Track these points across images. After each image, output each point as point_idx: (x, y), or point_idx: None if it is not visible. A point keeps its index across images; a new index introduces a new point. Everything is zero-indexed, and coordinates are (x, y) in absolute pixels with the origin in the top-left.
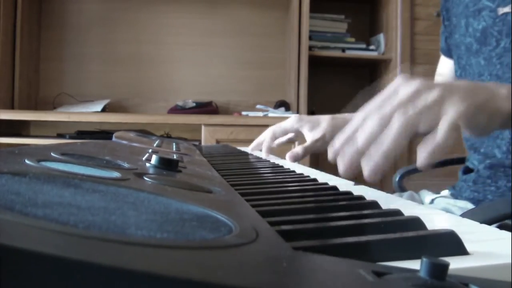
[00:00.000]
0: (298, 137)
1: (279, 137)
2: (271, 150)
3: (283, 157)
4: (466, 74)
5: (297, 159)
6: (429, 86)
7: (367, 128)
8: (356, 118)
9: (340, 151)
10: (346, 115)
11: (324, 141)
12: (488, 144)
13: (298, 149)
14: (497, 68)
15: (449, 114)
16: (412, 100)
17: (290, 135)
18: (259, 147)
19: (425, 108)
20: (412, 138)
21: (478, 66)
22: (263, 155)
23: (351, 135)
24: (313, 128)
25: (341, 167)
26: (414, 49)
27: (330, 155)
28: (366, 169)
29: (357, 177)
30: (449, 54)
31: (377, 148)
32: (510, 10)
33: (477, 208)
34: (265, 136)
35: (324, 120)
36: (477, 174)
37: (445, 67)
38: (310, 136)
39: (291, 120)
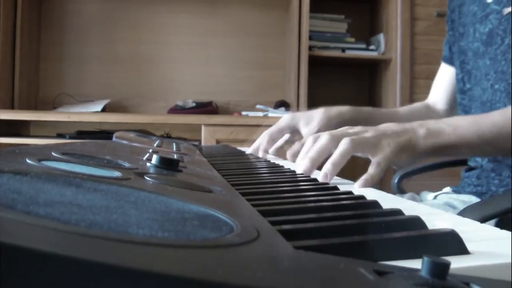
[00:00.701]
0: (294, 134)
1: (276, 138)
2: (267, 154)
3: (284, 157)
4: (470, 78)
5: (297, 155)
6: (368, 128)
7: (320, 144)
8: (312, 137)
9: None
10: (339, 107)
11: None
12: None
13: (297, 146)
14: (502, 64)
15: (380, 155)
16: (357, 134)
17: (286, 136)
18: (255, 153)
19: (365, 140)
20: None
21: (484, 67)
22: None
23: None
24: (308, 123)
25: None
26: (414, 49)
27: (288, 157)
28: (321, 174)
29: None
30: (451, 62)
31: (329, 159)
32: None
33: (478, 203)
34: (261, 141)
35: (317, 114)
36: (481, 169)
37: (446, 75)
38: (306, 131)
39: (285, 119)
